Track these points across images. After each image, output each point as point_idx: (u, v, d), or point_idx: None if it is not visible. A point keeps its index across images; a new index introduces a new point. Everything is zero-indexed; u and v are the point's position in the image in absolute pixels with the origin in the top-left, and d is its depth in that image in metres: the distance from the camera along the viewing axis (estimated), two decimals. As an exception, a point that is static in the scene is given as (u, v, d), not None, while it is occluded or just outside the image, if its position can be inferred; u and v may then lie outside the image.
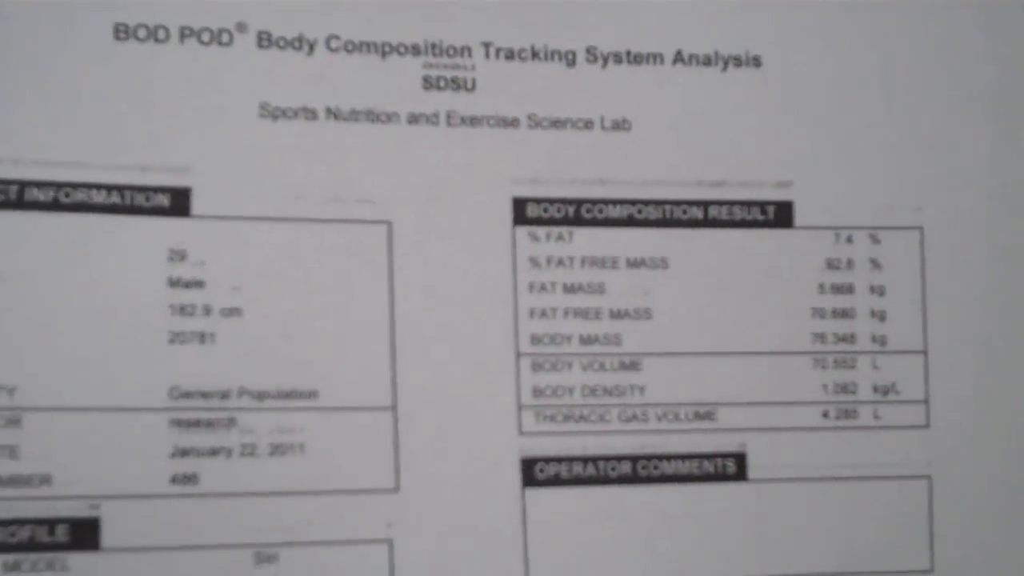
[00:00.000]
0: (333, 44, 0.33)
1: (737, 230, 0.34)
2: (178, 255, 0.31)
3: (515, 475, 0.33)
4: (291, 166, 0.32)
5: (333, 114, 0.33)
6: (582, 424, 0.33)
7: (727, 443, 0.34)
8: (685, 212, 0.34)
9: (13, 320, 0.30)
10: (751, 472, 0.34)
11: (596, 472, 0.33)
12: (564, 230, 0.34)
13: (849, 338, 0.34)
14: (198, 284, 0.31)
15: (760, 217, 0.34)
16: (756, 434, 0.34)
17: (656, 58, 0.34)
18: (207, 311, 0.31)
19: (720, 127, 0.34)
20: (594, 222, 0.34)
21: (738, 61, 0.35)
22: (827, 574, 0.34)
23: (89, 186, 0.31)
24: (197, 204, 0.32)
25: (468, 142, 0.33)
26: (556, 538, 0.33)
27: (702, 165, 0.34)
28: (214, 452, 0.31)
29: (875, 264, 0.35)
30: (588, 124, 0.34)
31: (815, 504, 0.34)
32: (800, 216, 0.35)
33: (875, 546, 0.34)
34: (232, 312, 0.31)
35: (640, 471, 0.33)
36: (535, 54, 0.34)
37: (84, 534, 0.30)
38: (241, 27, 0.32)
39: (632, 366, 0.33)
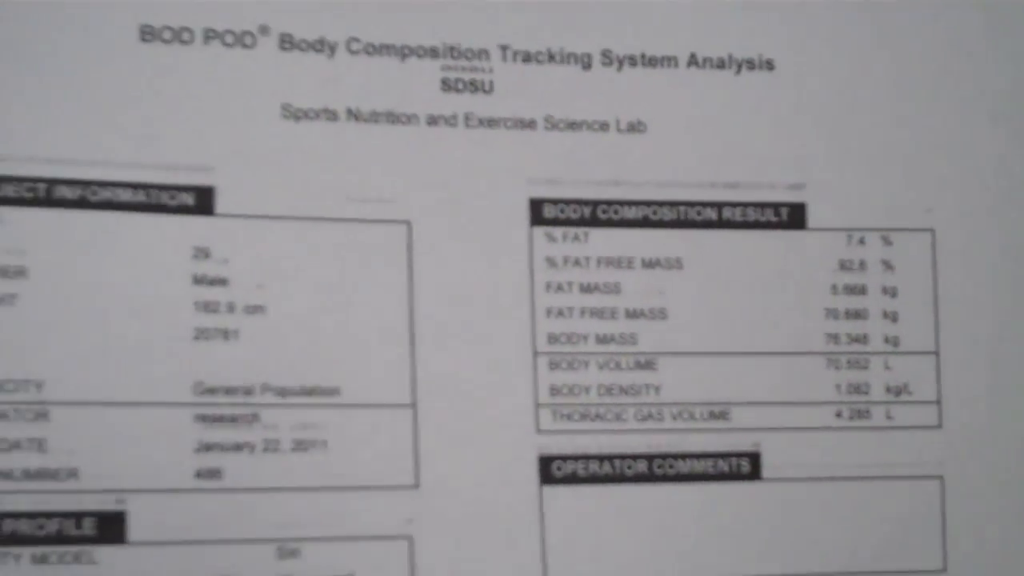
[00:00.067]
0: (354, 47, 0.33)
1: (751, 231, 0.34)
2: (202, 253, 0.32)
3: (533, 473, 0.33)
4: (312, 166, 0.32)
5: (353, 115, 0.33)
6: (598, 423, 0.33)
7: (741, 442, 0.34)
8: (699, 213, 0.34)
9: (41, 316, 0.30)
10: (765, 471, 0.34)
11: (612, 470, 0.33)
12: (580, 231, 0.34)
13: (862, 339, 0.35)
14: (222, 282, 0.32)
15: (773, 219, 0.35)
16: (770, 434, 0.34)
17: (671, 61, 0.35)
18: (231, 308, 0.32)
19: (734, 129, 0.35)
20: (610, 223, 0.34)
21: (751, 64, 0.35)
22: (840, 573, 0.34)
23: (115, 184, 0.31)
24: (221, 203, 0.32)
25: (486, 143, 0.33)
26: (573, 535, 0.33)
27: (716, 167, 0.34)
28: (238, 447, 0.31)
29: (887, 265, 0.35)
30: (604, 126, 0.34)
31: (828, 503, 0.34)
32: (813, 218, 0.35)
33: (888, 545, 0.34)
34: (255, 309, 0.32)
35: (656, 470, 0.33)
36: (552, 57, 0.34)
37: (110, 527, 0.30)
38: (264, 30, 0.33)
39: (647, 365, 0.34)
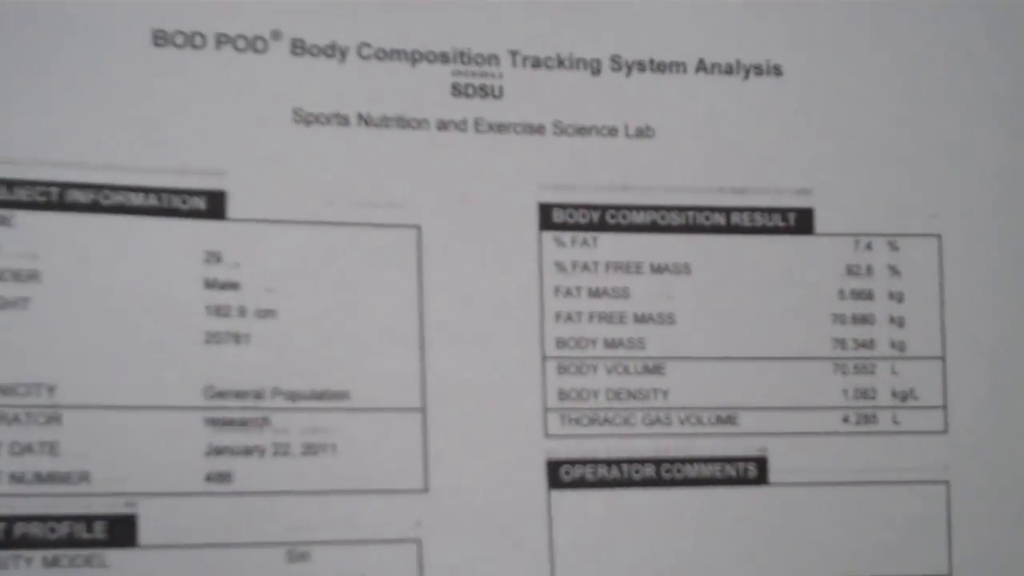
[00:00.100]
0: (365, 52, 0.33)
1: (758, 236, 0.34)
2: (214, 257, 0.32)
3: (541, 477, 0.33)
4: (323, 171, 0.32)
5: (364, 120, 0.33)
6: (607, 427, 0.33)
7: (748, 447, 0.34)
8: (708, 218, 0.34)
9: (53, 319, 0.30)
10: (772, 476, 0.34)
11: (620, 475, 0.33)
12: (589, 235, 0.34)
13: (868, 344, 0.34)
14: (233, 285, 0.32)
15: (781, 224, 0.34)
16: (777, 438, 0.34)
17: (679, 67, 0.35)
18: (242, 312, 0.31)
19: (742, 135, 0.35)
20: (618, 228, 0.34)
21: (759, 70, 0.35)
22: (846, 577, 0.34)
23: (128, 189, 0.31)
24: (232, 207, 0.32)
25: (495, 148, 0.33)
26: (581, 539, 0.33)
27: (724, 172, 0.34)
28: (248, 451, 0.31)
29: (894, 271, 0.35)
30: (612, 131, 0.34)
31: (835, 508, 0.34)
32: (820, 223, 0.35)
33: (893, 550, 0.34)
34: (266, 313, 0.32)
35: (663, 474, 0.33)
36: (561, 62, 0.34)
37: (121, 531, 0.30)
38: (276, 35, 0.33)
39: (656, 370, 0.34)
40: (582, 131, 0.34)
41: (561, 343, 0.33)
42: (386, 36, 0.33)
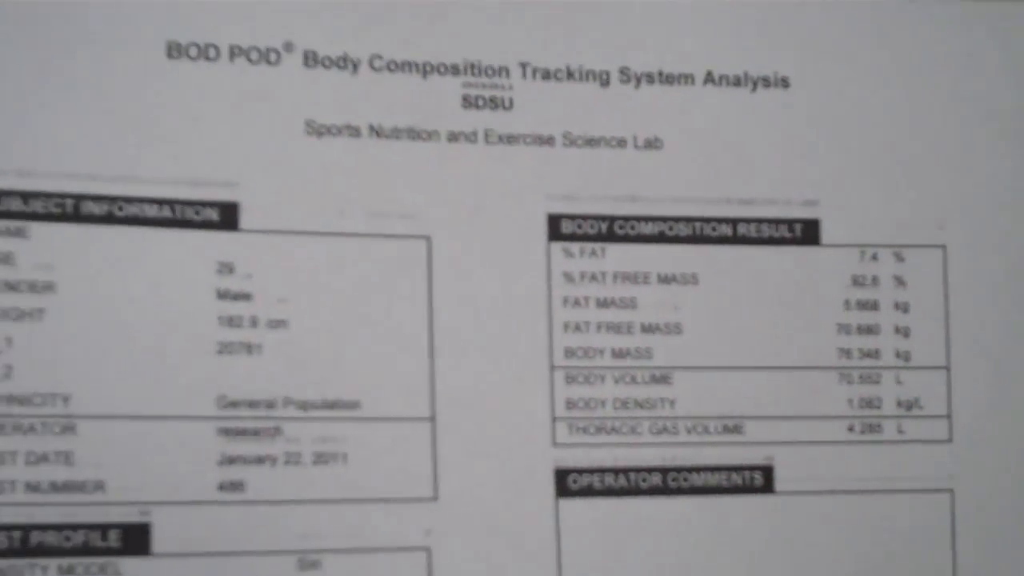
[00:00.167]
0: (376, 64, 0.33)
1: (765, 247, 0.34)
2: (226, 268, 0.31)
3: (549, 485, 0.33)
4: (335, 182, 0.32)
5: (376, 131, 0.33)
6: (614, 436, 0.33)
7: (755, 456, 0.34)
8: (715, 229, 0.34)
9: (68, 330, 0.30)
10: (778, 485, 0.34)
11: (627, 483, 0.33)
12: (597, 246, 0.34)
13: (874, 354, 0.34)
14: (245, 296, 0.31)
15: (788, 235, 0.34)
16: (783, 447, 0.34)
17: (687, 79, 0.34)
18: (254, 323, 0.31)
19: (749, 146, 0.34)
20: (626, 238, 0.34)
21: (767, 82, 0.35)
22: (851, 585, 0.34)
23: (142, 200, 0.31)
24: (245, 218, 0.32)
25: (505, 159, 0.33)
26: (588, 547, 0.33)
27: (731, 183, 0.34)
28: (260, 460, 0.31)
29: (899, 281, 0.35)
30: (621, 142, 0.34)
31: (840, 516, 0.34)
32: (826, 234, 0.34)
33: (898, 558, 0.34)
34: (278, 324, 0.32)
35: (670, 483, 0.33)
36: (570, 74, 0.34)
37: (135, 539, 0.30)
38: (288, 47, 0.33)
39: (663, 379, 0.33)
40: (591, 142, 0.34)
41: (569, 353, 0.33)
42: (398, 48, 0.33)
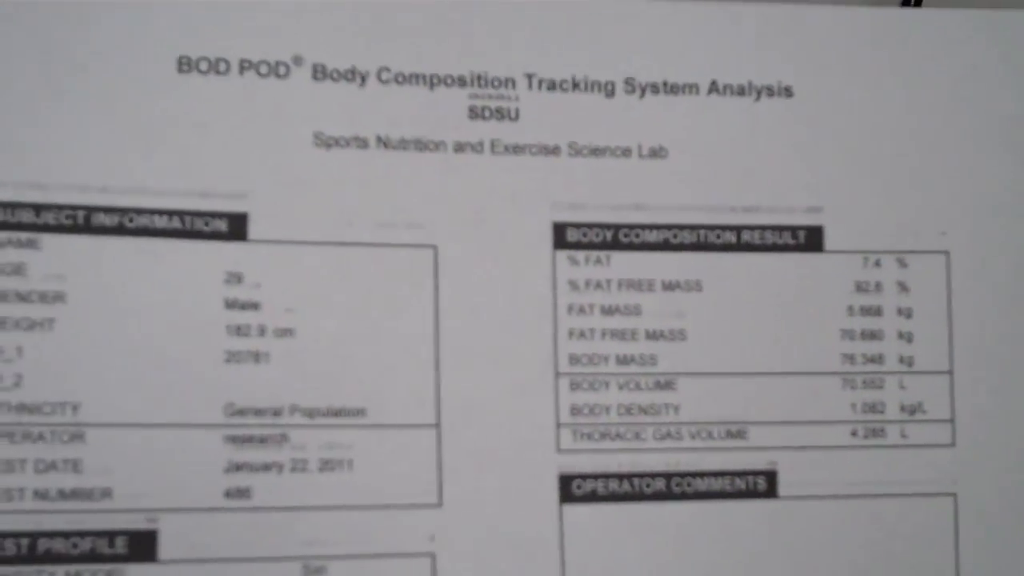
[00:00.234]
0: (384, 76, 0.33)
1: (769, 254, 0.34)
2: (235, 278, 0.31)
3: (553, 491, 0.32)
4: (343, 193, 0.32)
5: (383, 143, 0.32)
6: (618, 442, 0.33)
7: (758, 461, 0.33)
8: (719, 237, 0.34)
9: (78, 339, 0.30)
10: (781, 489, 0.33)
11: (631, 489, 0.32)
12: (602, 254, 0.33)
13: (877, 359, 0.34)
14: (253, 306, 0.31)
15: (791, 241, 0.34)
16: (786, 452, 0.33)
17: (692, 88, 0.34)
18: (262, 331, 0.31)
19: (753, 155, 0.34)
20: (631, 246, 0.33)
21: (770, 91, 0.34)
22: (854, 589, 0.33)
23: (152, 211, 0.31)
24: (254, 229, 0.31)
25: (511, 169, 0.33)
26: (592, 552, 0.32)
27: (735, 191, 0.34)
28: (267, 467, 0.31)
29: (902, 287, 0.34)
30: (626, 152, 0.33)
31: (843, 521, 0.33)
32: (830, 241, 0.34)
33: (901, 562, 0.33)
34: (285, 333, 0.31)
35: (674, 488, 0.33)
36: (576, 85, 0.33)
37: (142, 546, 0.30)
38: (297, 60, 0.32)
39: (667, 386, 0.33)
40: (596, 152, 0.33)
41: (574, 360, 0.33)
42: (405, 61, 0.33)
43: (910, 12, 0.36)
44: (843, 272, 0.34)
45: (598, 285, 0.33)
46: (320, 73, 0.32)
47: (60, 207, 0.30)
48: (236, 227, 0.31)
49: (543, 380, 0.32)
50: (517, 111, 0.33)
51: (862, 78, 0.34)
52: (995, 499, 0.34)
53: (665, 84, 0.34)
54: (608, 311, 0.33)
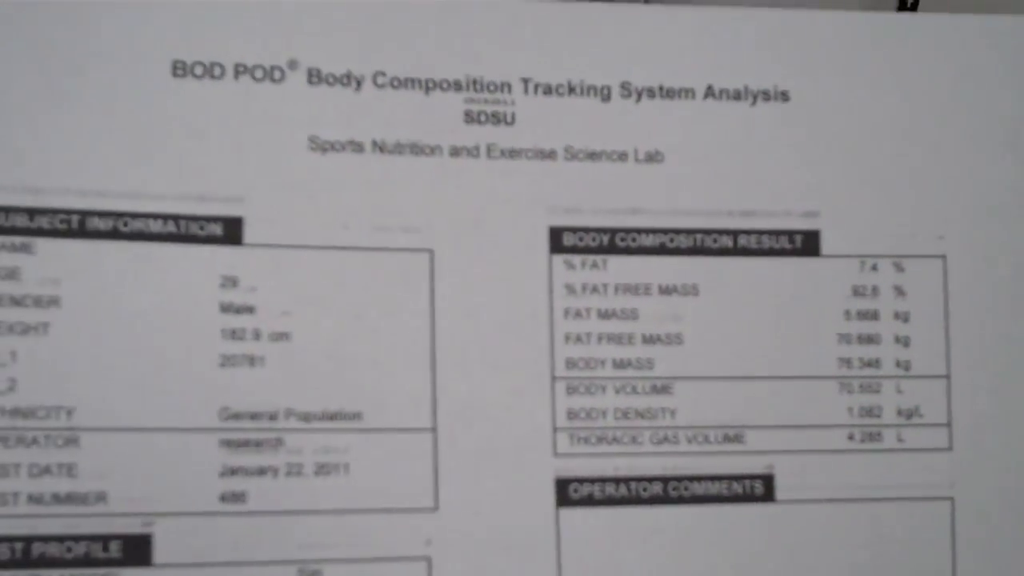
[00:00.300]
0: (379, 80, 0.32)
1: (766, 258, 0.34)
2: (230, 281, 0.31)
3: (550, 495, 0.32)
4: (338, 197, 0.32)
5: (379, 147, 0.32)
6: (615, 446, 0.32)
7: (755, 465, 0.33)
8: (715, 241, 0.33)
9: (73, 344, 0.30)
10: (778, 493, 0.33)
11: (628, 493, 0.32)
12: (599, 258, 0.33)
13: (874, 363, 0.34)
14: (249, 310, 0.31)
15: (788, 246, 0.34)
16: (783, 456, 0.33)
17: (688, 93, 0.34)
18: (257, 335, 0.31)
19: (749, 159, 0.34)
20: (628, 250, 0.33)
21: (767, 95, 0.34)
22: (851, 593, 0.33)
23: (147, 215, 0.31)
24: (249, 233, 0.31)
25: (507, 173, 0.33)
26: (589, 556, 0.32)
27: (732, 195, 0.34)
28: (262, 471, 0.31)
29: (899, 291, 0.34)
30: (622, 156, 0.33)
31: (841, 525, 0.33)
32: (827, 245, 0.34)
33: (898, 566, 0.33)
34: (281, 336, 0.31)
35: (671, 492, 0.32)
36: (572, 89, 0.33)
37: (137, 550, 0.30)
38: (292, 64, 0.32)
39: (664, 390, 0.33)
40: (592, 156, 0.33)
41: (571, 364, 0.33)
42: (400, 65, 0.33)
43: (906, 17, 0.36)
44: (840, 276, 0.34)
45: (595, 289, 0.33)
46: (315, 77, 0.32)
47: (55, 211, 0.30)
48: (231, 231, 0.31)
49: (540, 384, 0.32)
50: (513, 115, 0.33)
51: (858, 83, 0.34)
52: (992, 503, 0.33)
53: (661, 88, 0.34)
54: (605, 315, 0.33)
